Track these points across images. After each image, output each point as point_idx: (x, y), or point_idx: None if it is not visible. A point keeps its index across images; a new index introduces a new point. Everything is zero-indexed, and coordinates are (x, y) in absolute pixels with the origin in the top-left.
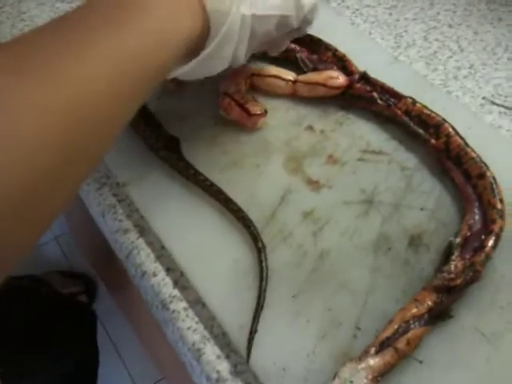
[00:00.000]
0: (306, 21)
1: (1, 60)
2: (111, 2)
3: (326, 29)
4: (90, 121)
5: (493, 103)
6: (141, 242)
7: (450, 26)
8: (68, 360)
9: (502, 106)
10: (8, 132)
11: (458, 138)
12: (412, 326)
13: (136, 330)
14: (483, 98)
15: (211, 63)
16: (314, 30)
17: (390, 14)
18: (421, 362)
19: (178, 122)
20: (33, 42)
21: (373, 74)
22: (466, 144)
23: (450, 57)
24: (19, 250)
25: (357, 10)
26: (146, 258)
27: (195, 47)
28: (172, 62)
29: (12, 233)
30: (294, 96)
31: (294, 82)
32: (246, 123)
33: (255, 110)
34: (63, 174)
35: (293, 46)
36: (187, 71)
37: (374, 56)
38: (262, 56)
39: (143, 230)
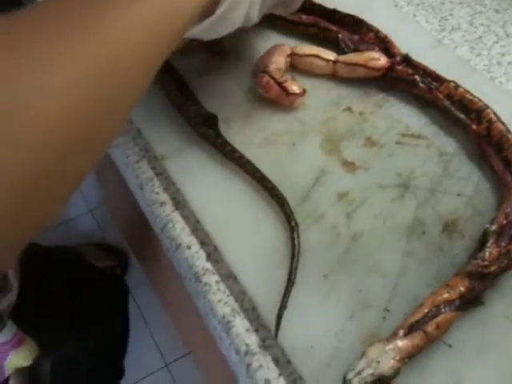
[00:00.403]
0: None
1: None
2: None
3: (369, 10)
4: (120, 82)
5: None
6: (176, 215)
7: (497, 11)
8: (100, 330)
9: None
10: (44, 86)
11: (499, 124)
12: (442, 310)
13: (165, 304)
14: None
15: (224, 23)
16: (356, 11)
17: None
18: (450, 346)
19: (216, 99)
20: (57, 10)
21: (415, 57)
22: (508, 131)
23: (496, 42)
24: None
25: None
26: (180, 231)
27: (208, 9)
28: (188, 25)
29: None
30: (333, 76)
31: (335, 62)
32: (283, 102)
33: (293, 88)
34: (93, 133)
35: (334, 27)
36: (200, 31)
37: (417, 39)
38: (303, 34)
39: (179, 203)
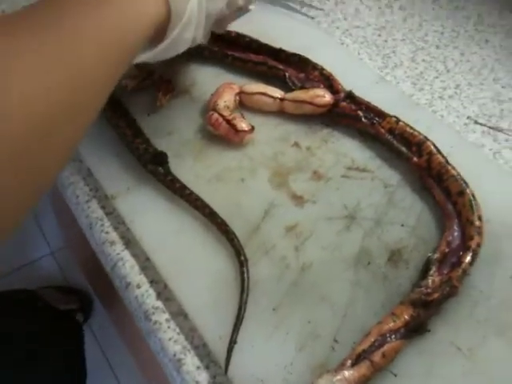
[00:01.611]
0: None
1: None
2: None
3: (316, 49)
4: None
5: (476, 122)
6: (126, 254)
7: (438, 47)
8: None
9: (485, 125)
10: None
11: (439, 155)
12: (388, 339)
13: (129, 346)
14: (468, 117)
15: (173, 47)
16: (303, 50)
17: (379, 35)
18: (395, 376)
19: (167, 137)
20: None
21: (359, 93)
22: (447, 162)
23: (437, 77)
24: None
25: (346, 30)
26: (130, 270)
27: (158, 33)
28: (142, 42)
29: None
30: (281, 113)
31: (282, 99)
32: (232, 139)
33: (242, 126)
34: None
35: (281, 65)
36: (152, 56)
37: (361, 75)
38: (252, 73)
39: (129, 241)
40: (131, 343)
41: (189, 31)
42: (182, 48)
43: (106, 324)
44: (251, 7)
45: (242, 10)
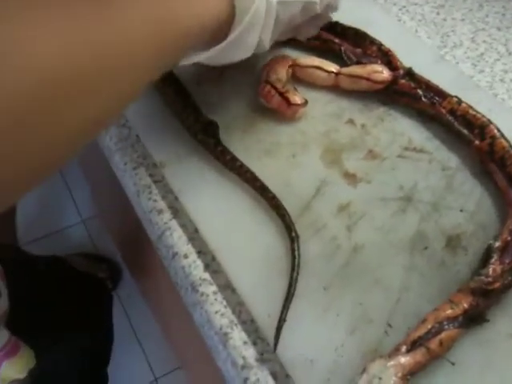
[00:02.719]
0: (330, 6)
1: None
2: None
3: (372, 24)
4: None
5: None
6: (174, 224)
7: (499, 29)
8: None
9: None
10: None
11: (503, 140)
12: (446, 326)
13: (158, 317)
14: None
15: (235, 50)
16: (359, 25)
17: (438, 14)
18: (453, 364)
19: (217, 107)
20: None
21: (418, 71)
22: (511, 147)
23: (498, 59)
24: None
25: (404, 7)
26: (178, 240)
27: (220, 32)
28: (201, 38)
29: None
30: (335, 88)
31: (337, 74)
32: (285, 112)
33: (295, 99)
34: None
35: (336, 39)
36: (211, 56)
37: (419, 54)
38: (306, 46)
39: (177, 211)
40: (162, 316)
41: (253, 34)
42: (243, 52)
43: (134, 293)
44: (332, 15)
45: (320, 19)
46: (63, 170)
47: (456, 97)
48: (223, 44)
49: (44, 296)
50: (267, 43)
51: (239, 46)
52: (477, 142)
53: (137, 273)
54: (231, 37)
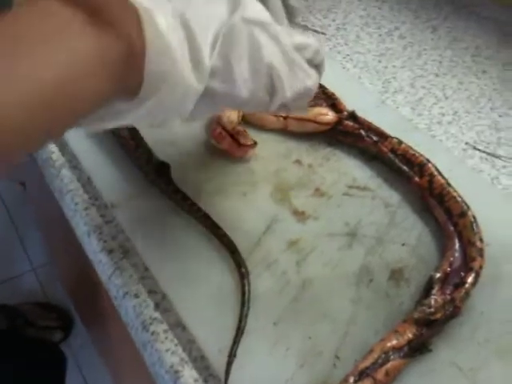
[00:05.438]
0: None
1: None
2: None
3: None
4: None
5: (475, 148)
6: (124, 263)
7: (436, 75)
8: None
9: (484, 151)
10: None
11: (440, 177)
12: (391, 357)
13: (109, 365)
14: (466, 143)
15: (157, 107)
16: None
17: (380, 61)
18: None
19: (168, 148)
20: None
21: (361, 115)
22: (448, 184)
23: (435, 103)
24: None
25: (347, 55)
26: (128, 279)
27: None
28: (89, 83)
29: None
30: (284, 131)
31: (285, 117)
32: (235, 153)
33: (245, 141)
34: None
35: None
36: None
37: (362, 99)
38: None
39: (128, 251)
40: (111, 363)
41: (178, 87)
42: (171, 112)
43: (85, 343)
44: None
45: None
46: (14, 218)
47: (396, 138)
48: (129, 104)
49: None
50: (205, 113)
51: (161, 104)
52: (416, 179)
53: (88, 319)
54: (142, 95)
